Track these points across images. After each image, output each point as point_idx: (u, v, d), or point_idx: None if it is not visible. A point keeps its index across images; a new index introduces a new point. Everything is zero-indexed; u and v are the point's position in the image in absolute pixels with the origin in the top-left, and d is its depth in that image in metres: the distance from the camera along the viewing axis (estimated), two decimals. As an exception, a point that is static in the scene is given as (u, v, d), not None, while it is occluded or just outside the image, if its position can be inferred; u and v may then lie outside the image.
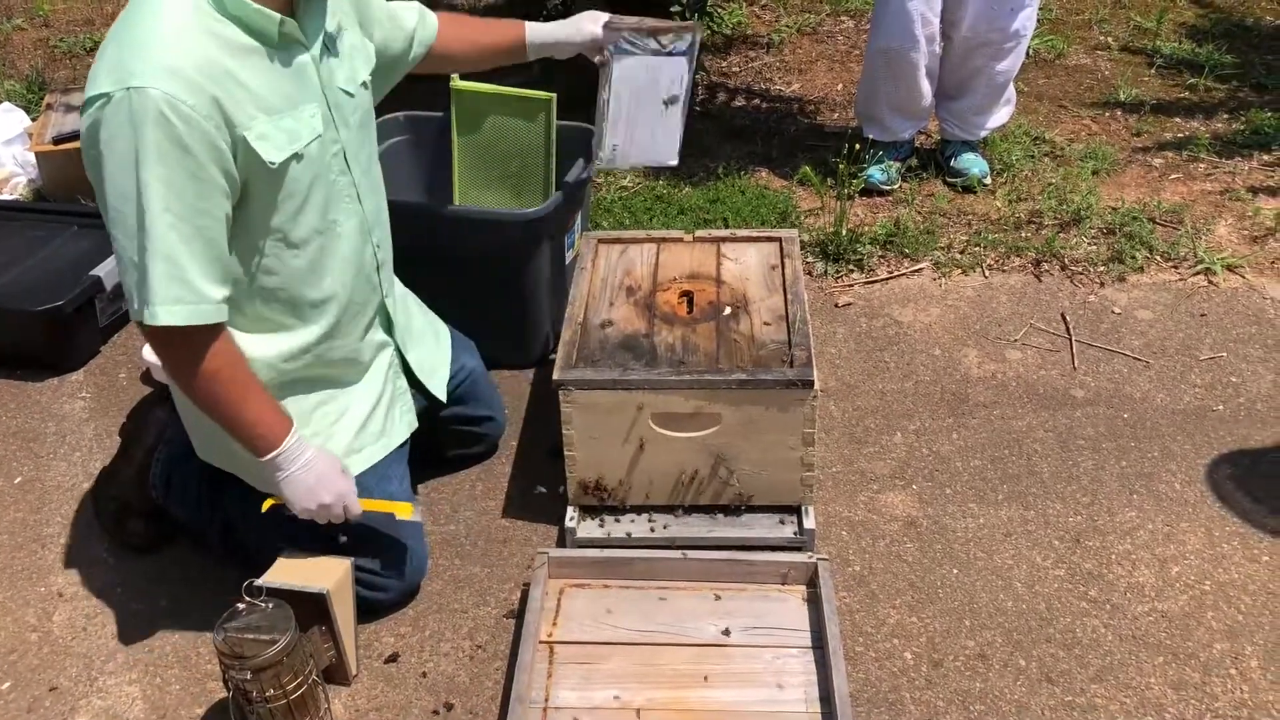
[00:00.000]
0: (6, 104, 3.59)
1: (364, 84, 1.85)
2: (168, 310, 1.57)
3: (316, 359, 1.84)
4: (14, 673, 1.89)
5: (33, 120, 3.46)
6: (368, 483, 1.89)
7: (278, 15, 1.61)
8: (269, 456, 1.71)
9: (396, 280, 2.08)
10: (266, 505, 1.81)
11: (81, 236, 2.84)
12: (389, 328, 2.01)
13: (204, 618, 1.96)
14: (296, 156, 1.66)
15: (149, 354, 2.50)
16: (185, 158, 1.53)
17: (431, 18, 2.09)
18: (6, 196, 3.23)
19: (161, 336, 1.63)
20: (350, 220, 1.82)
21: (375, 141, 1.93)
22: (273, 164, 1.63)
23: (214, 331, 1.64)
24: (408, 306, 2.11)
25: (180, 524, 2.06)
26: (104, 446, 2.37)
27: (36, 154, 3.19)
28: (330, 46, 1.75)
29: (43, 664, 1.91)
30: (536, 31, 2.14)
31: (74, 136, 3.18)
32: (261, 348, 1.77)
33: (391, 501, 1.89)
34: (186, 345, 1.63)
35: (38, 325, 2.54)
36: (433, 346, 2.14)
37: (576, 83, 3.59)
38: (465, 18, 2.22)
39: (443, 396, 2.11)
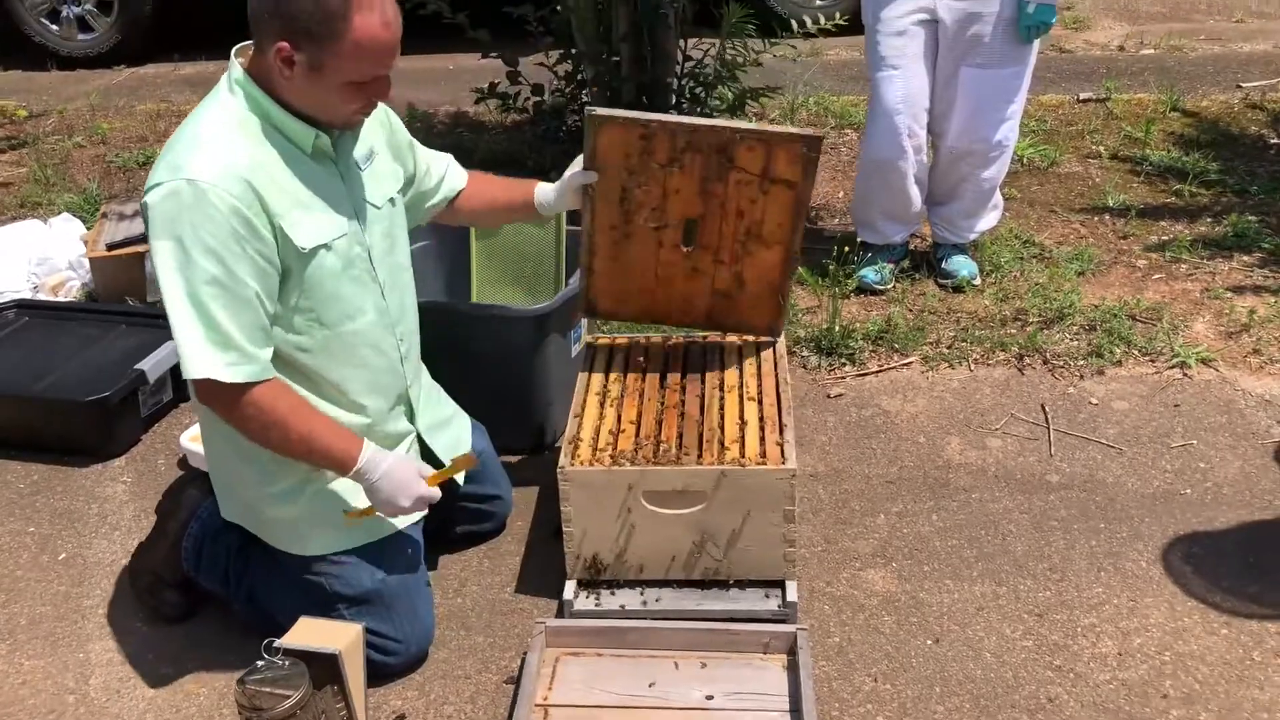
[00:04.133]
0: (65, 214, 3.89)
1: (391, 200, 2.09)
2: (227, 369, 1.82)
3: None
4: (52, 730, 2.05)
5: (88, 229, 3.75)
6: (379, 555, 2.07)
7: (314, 130, 1.89)
8: (350, 475, 1.95)
9: (425, 374, 2.29)
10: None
11: (129, 334, 3.08)
12: (411, 417, 2.20)
13: (229, 681, 2.12)
14: (325, 247, 1.92)
15: (187, 441, 2.71)
16: (229, 239, 1.79)
17: (461, 172, 2.34)
18: (62, 299, 3.49)
19: (220, 393, 1.86)
20: (374, 312, 2.04)
21: (405, 250, 2.16)
22: (303, 249, 1.88)
23: (269, 385, 1.88)
24: (432, 396, 2.30)
25: (209, 594, 2.23)
26: (142, 526, 2.55)
27: (90, 259, 3.45)
28: (359, 165, 2.01)
29: (79, 723, 2.07)
30: (543, 189, 2.30)
31: (126, 243, 3.45)
32: None
33: (453, 465, 2.14)
34: (246, 399, 1.86)
35: (85, 414, 2.76)
36: (454, 433, 2.32)
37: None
38: (490, 177, 2.41)
39: (460, 480, 2.29)
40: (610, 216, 2.30)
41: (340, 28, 1.77)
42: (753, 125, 2.23)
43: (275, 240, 1.85)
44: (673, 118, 2.21)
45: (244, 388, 1.85)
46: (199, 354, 1.82)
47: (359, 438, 1.97)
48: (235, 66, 1.89)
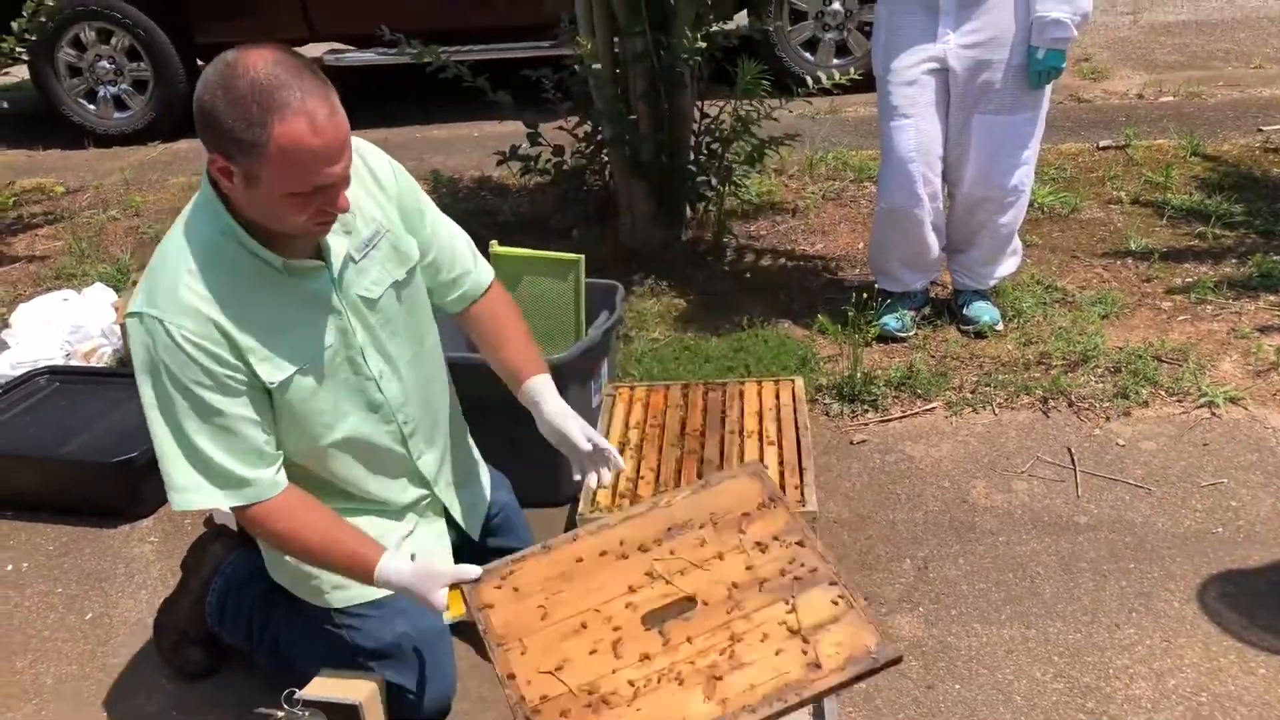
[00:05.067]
0: (98, 284, 3.97)
1: (394, 284, 1.97)
2: (223, 496, 1.83)
3: (347, 503, 2.04)
4: (75, 788, 2.05)
5: (119, 297, 3.82)
6: (400, 608, 2.06)
7: (279, 259, 1.81)
8: (373, 584, 1.88)
9: (446, 434, 2.21)
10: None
11: (157, 397, 3.12)
12: (425, 483, 2.16)
13: (250, 737, 2.12)
14: (300, 370, 1.87)
15: (212, 500, 2.72)
16: (200, 375, 1.77)
17: (487, 278, 2.14)
18: (93, 364, 3.55)
19: (244, 522, 1.89)
20: (364, 409, 1.98)
21: (418, 326, 2.06)
22: (272, 384, 1.84)
23: (276, 501, 1.86)
24: (457, 457, 2.25)
25: (233, 651, 2.24)
26: (168, 585, 2.56)
27: (121, 325, 3.51)
28: (354, 256, 1.90)
29: (102, 780, 2.07)
30: (537, 388, 2.05)
31: (155, 309, 3.51)
32: None
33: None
34: (255, 517, 1.86)
35: (112, 476, 2.79)
36: (472, 489, 2.31)
37: (599, 249, 3.91)
38: (517, 320, 2.17)
39: (475, 535, 2.27)
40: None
41: (261, 137, 1.63)
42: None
43: (249, 371, 1.82)
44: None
45: (248, 507, 1.86)
46: (192, 487, 1.82)
47: (377, 549, 1.87)
48: (205, 181, 1.80)
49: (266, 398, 1.86)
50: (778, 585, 1.70)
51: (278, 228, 1.78)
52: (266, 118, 1.63)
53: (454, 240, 2.12)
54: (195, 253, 1.78)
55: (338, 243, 1.89)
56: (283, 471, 1.89)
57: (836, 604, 1.67)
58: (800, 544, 1.76)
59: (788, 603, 1.67)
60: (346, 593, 2.06)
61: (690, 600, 1.71)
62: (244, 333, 1.79)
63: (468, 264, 2.14)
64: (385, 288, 1.96)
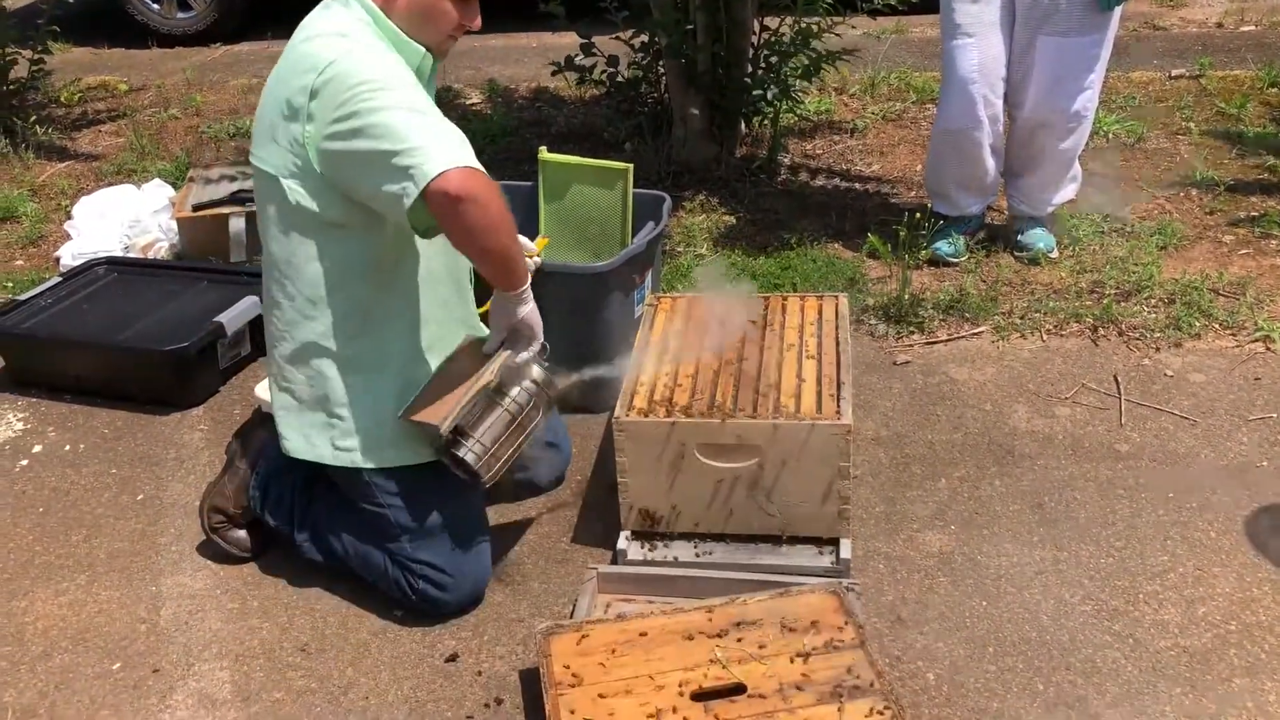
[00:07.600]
0: (157, 180, 4.02)
1: None
2: (471, 156, 1.87)
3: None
4: (124, 655, 2.14)
5: (177, 192, 3.87)
6: (440, 490, 2.11)
7: (422, 49, 2.02)
8: (519, 290, 2.01)
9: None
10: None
11: (210, 290, 3.18)
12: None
13: (289, 617, 2.19)
14: None
15: (261, 391, 2.78)
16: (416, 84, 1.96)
17: None
18: (150, 257, 3.61)
19: (469, 187, 1.82)
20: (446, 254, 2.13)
21: None
22: None
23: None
24: None
25: (274, 532, 2.30)
26: (216, 470, 2.62)
27: (177, 219, 3.57)
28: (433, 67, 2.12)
29: (149, 650, 2.15)
30: None
31: (210, 204, 3.57)
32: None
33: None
34: (483, 191, 1.84)
35: (165, 364, 2.86)
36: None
37: (651, 163, 3.88)
38: None
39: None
40: None
41: None
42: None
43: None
44: None
45: (483, 180, 1.85)
46: (446, 151, 1.83)
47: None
48: (356, 4, 1.98)
49: None
50: (830, 691, 1.79)
51: (427, 33, 2.02)
52: None
53: None
54: (360, 26, 1.97)
55: (430, 80, 2.09)
56: None
57: (883, 714, 1.74)
58: (860, 660, 1.85)
59: (838, 707, 1.75)
60: (399, 452, 2.11)
61: (741, 687, 1.81)
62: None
63: None
64: None
